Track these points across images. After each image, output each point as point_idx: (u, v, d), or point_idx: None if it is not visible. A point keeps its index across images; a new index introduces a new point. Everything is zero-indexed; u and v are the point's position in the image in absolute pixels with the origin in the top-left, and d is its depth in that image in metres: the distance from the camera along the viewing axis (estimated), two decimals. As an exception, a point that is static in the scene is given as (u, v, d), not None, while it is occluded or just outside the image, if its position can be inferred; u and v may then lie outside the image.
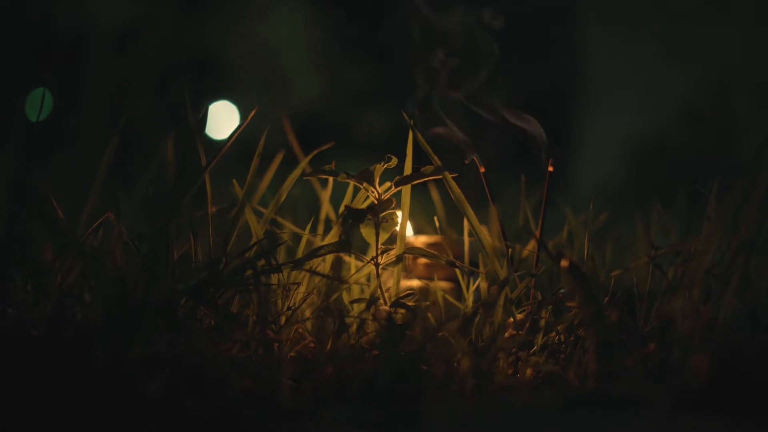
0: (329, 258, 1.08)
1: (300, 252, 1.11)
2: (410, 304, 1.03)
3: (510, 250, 1.07)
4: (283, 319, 1.03)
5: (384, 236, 1.06)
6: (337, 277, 1.04)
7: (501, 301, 1.02)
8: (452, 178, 1.06)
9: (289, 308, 1.04)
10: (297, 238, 1.17)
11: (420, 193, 1.32)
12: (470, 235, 1.17)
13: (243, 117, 4.42)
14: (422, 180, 1.06)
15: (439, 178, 1.06)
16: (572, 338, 1.03)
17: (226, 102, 4.61)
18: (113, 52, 4.48)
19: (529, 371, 0.98)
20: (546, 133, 1.11)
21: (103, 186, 1.08)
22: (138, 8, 4.56)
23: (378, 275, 1.06)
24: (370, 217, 1.05)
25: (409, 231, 1.24)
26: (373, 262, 1.06)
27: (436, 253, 1.08)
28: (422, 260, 1.20)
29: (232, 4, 4.75)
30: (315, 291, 1.06)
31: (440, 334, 0.95)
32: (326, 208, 1.25)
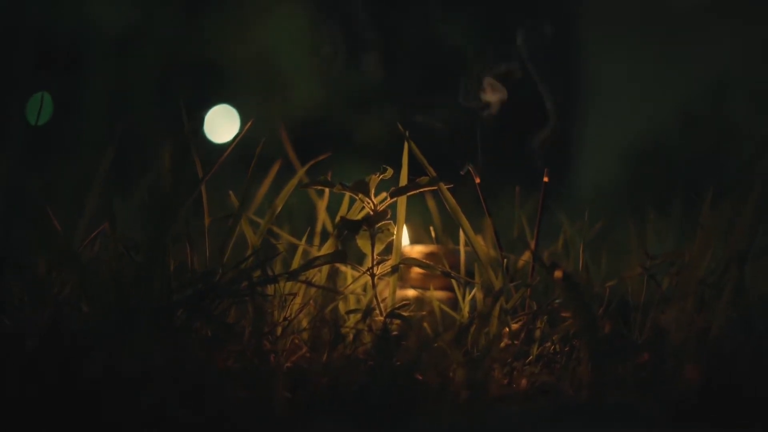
0: (325, 268, 1.08)
1: (296, 262, 1.12)
2: (406, 314, 1.03)
3: (505, 260, 1.08)
4: (279, 329, 1.03)
5: (380, 247, 1.07)
6: (332, 288, 1.04)
7: (496, 312, 1.02)
8: (447, 188, 1.07)
9: (285, 319, 1.04)
10: (293, 248, 1.18)
11: (416, 203, 1.32)
12: (466, 245, 1.17)
13: (242, 120, 4.43)
14: (418, 191, 1.06)
15: (434, 189, 1.07)
16: (567, 348, 1.03)
17: (226, 106, 4.62)
18: (113, 56, 4.48)
19: (524, 381, 0.99)
20: (545, 140, 1.12)
21: (101, 194, 1.08)
22: (138, 13, 4.57)
23: (374, 285, 1.06)
24: (365, 228, 1.06)
25: (406, 240, 1.24)
26: (368, 272, 1.07)
27: (431, 263, 1.08)
28: (418, 270, 1.20)
29: (232, 8, 4.75)
30: (311, 301, 1.07)
31: (436, 344, 0.96)
32: (322, 218, 1.26)
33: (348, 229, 1.05)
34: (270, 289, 1.05)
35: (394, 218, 1.08)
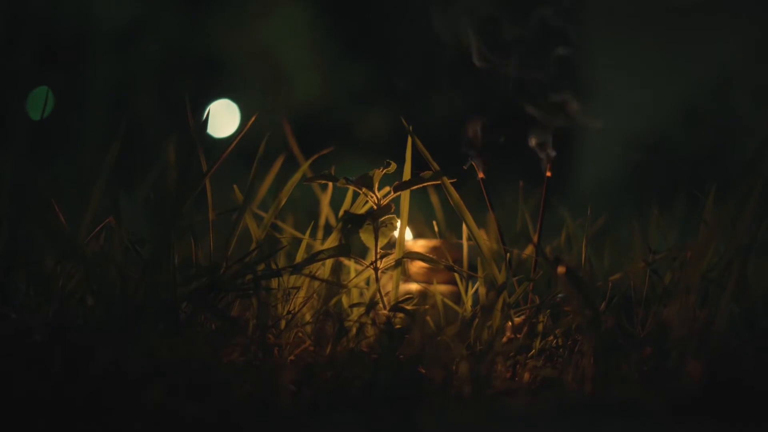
0: (329, 262, 1.08)
1: (299, 256, 1.12)
2: (409, 308, 1.04)
3: (508, 254, 1.08)
4: (283, 323, 1.04)
5: (383, 241, 1.07)
6: (336, 281, 1.04)
7: (499, 305, 1.02)
8: (451, 182, 1.07)
9: (289, 312, 1.05)
10: (297, 242, 1.18)
11: (420, 197, 1.32)
12: (469, 239, 1.18)
13: (243, 115, 4.44)
14: (421, 185, 1.06)
15: (438, 183, 1.07)
16: (570, 342, 1.04)
17: (227, 100, 4.62)
18: (115, 52, 4.48)
19: (527, 375, 0.99)
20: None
21: (105, 188, 1.08)
22: (139, 8, 4.56)
23: (377, 279, 1.07)
24: (369, 222, 1.06)
25: (409, 235, 1.24)
26: (372, 266, 1.07)
27: (434, 257, 1.09)
28: (421, 264, 1.21)
29: (233, 3, 4.75)
30: (315, 295, 1.07)
31: (439, 338, 0.96)
32: (326, 212, 1.26)
33: (351, 223, 1.05)
34: (274, 283, 1.06)
35: (397, 212, 1.08)
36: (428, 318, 1.04)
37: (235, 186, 1.10)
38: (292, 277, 1.07)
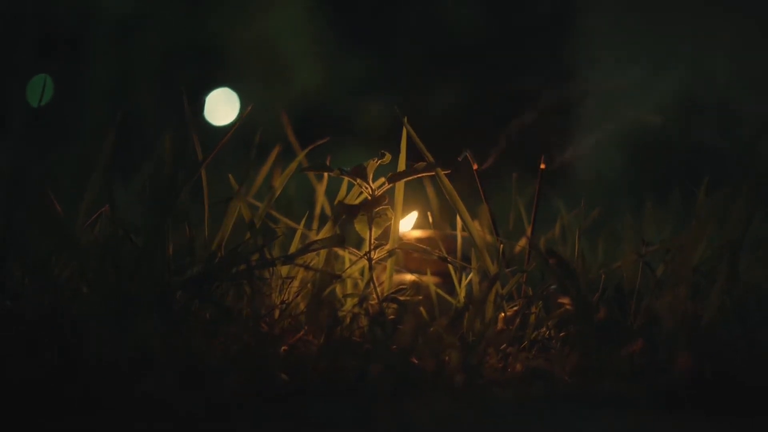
0: (324, 252, 1.09)
1: (294, 246, 1.13)
2: (402, 299, 1.04)
3: (501, 245, 1.08)
4: (276, 312, 1.04)
5: (378, 231, 1.08)
6: (330, 271, 1.05)
7: (492, 297, 1.03)
8: (445, 174, 1.07)
9: (283, 302, 1.05)
10: (293, 231, 1.18)
11: (416, 188, 1.32)
12: (463, 230, 1.18)
13: (243, 104, 4.43)
14: (415, 176, 1.07)
15: (432, 175, 1.07)
16: (562, 334, 1.04)
17: (227, 89, 4.62)
18: (115, 40, 4.48)
19: (518, 366, 0.99)
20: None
21: (102, 177, 1.09)
22: (141, 1, 4.57)
23: (371, 269, 1.07)
24: (363, 212, 1.06)
25: (411, 225, 1.24)
26: (366, 257, 1.07)
27: (428, 248, 1.09)
28: (415, 254, 1.21)
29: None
30: (309, 285, 1.07)
31: (431, 328, 0.96)
32: (321, 202, 1.26)
33: (345, 213, 1.06)
34: (268, 272, 1.06)
35: (392, 203, 1.09)
36: (421, 309, 1.05)
37: (230, 175, 1.10)
38: (287, 267, 1.07)
